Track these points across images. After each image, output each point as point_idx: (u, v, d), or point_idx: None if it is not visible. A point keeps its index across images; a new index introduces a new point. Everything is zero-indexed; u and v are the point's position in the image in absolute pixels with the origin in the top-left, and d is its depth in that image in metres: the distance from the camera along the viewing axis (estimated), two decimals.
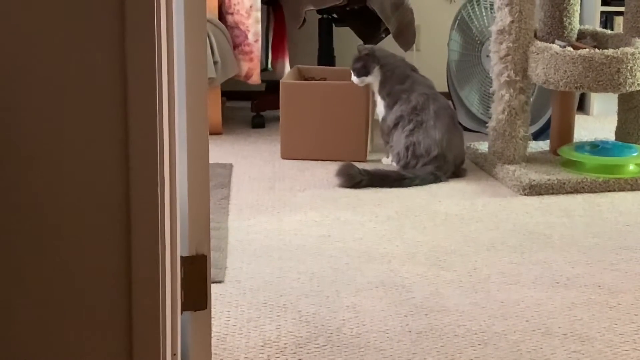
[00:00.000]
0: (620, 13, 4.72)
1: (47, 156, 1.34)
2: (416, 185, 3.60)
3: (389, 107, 3.82)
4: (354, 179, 3.57)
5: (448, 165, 3.72)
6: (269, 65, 4.73)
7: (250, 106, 4.76)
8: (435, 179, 3.66)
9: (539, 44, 3.64)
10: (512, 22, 3.64)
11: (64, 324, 1.39)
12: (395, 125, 3.79)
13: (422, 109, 3.75)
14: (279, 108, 4.04)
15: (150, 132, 1.33)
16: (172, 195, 1.43)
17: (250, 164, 3.96)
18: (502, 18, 3.68)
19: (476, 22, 4.48)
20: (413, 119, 3.75)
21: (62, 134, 1.34)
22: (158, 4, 1.30)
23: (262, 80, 4.63)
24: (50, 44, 1.31)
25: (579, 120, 4.16)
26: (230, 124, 4.66)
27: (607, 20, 4.92)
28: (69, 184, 1.35)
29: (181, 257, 1.54)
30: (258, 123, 4.69)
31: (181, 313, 1.55)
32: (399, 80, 3.83)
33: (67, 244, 1.37)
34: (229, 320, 2.33)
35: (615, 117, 3.97)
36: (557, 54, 3.55)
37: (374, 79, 3.86)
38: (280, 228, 3.11)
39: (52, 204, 1.36)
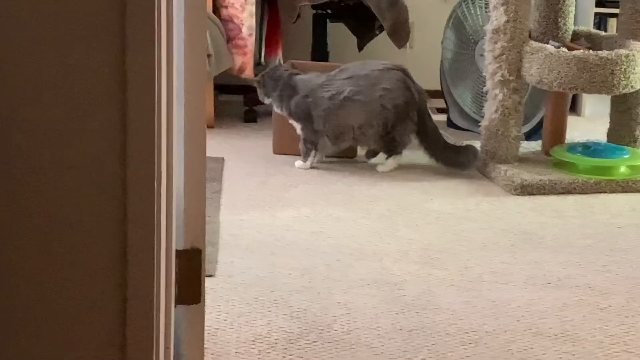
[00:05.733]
0: (614, 15, 4.73)
1: (44, 149, 1.33)
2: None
3: (301, 121, 3.79)
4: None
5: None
6: (263, 60, 4.73)
7: (242, 100, 4.75)
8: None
9: (534, 44, 3.64)
10: (507, 21, 3.64)
11: (57, 315, 1.38)
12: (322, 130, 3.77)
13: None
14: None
15: (149, 127, 1.32)
16: (168, 189, 1.42)
17: (243, 158, 3.95)
18: (497, 17, 3.68)
19: (470, 21, 4.48)
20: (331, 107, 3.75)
21: (60, 127, 1.33)
22: (159, 5, 1.29)
23: (255, 74, 4.61)
24: (50, 37, 1.30)
25: (571, 121, 4.17)
26: (222, 117, 4.66)
27: (600, 21, 4.93)
28: (66, 177, 1.35)
29: (176, 251, 1.53)
30: (250, 117, 4.68)
31: (175, 307, 1.55)
32: (289, 95, 3.80)
33: (63, 236, 1.37)
34: (219, 315, 2.32)
35: (607, 119, 3.98)
36: (552, 54, 3.56)
37: (271, 103, 3.89)
38: (272, 223, 3.10)
39: (48, 197, 1.35)
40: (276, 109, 3.89)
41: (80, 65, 1.32)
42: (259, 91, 3.91)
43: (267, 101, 3.91)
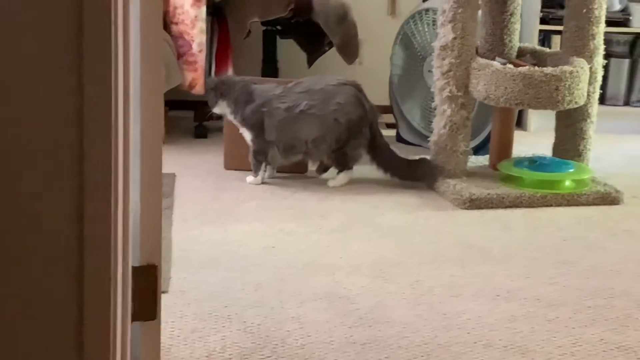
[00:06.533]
0: (557, 32, 4.83)
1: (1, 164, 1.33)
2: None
3: (253, 129, 3.82)
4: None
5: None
6: (213, 76, 4.73)
7: (193, 116, 4.75)
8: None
9: (481, 60, 3.71)
10: (455, 38, 3.70)
11: (13, 335, 1.38)
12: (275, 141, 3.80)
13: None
14: (221, 118, 4.05)
15: (105, 143, 1.33)
16: (125, 205, 1.43)
17: (194, 174, 3.95)
18: (445, 34, 3.74)
19: (419, 38, 4.55)
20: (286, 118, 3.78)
21: (13, 144, 1.33)
22: (115, 19, 1.30)
23: (205, 91, 4.62)
24: (6, 52, 1.30)
25: (517, 136, 4.24)
26: (172, 133, 4.65)
27: (545, 38, 5.03)
28: (20, 194, 1.35)
29: (132, 267, 1.54)
30: (200, 133, 4.69)
31: (130, 323, 1.55)
32: (245, 101, 3.83)
33: (17, 255, 1.36)
34: (173, 331, 2.33)
35: (552, 134, 4.06)
36: (498, 70, 3.63)
37: (222, 110, 3.88)
38: (224, 238, 3.11)
39: (2, 214, 1.35)
40: (229, 115, 3.87)
41: (34, 81, 1.33)
42: (209, 96, 3.88)
43: (216, 109, 3.87)
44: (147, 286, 1.55)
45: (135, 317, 1.55)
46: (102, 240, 1.36)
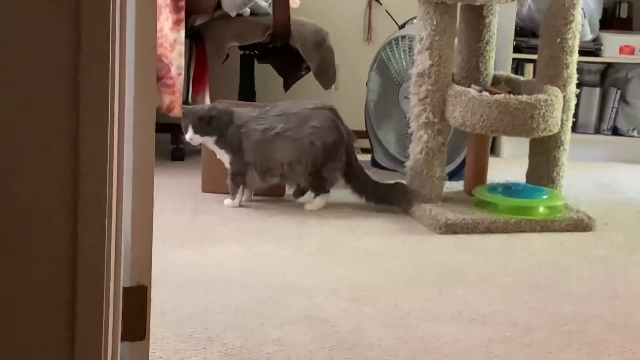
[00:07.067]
0: (530, 60, 4.91)
1: None
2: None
3: (232, 150, 3.84)
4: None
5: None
6: (190, 99, 4.76)
7: (170, 138, 4.76)
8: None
9: (457, 87, 3.77)
10: (432, 65, 3.76)
11: (4, 354, 1.39)
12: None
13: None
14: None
15: (100, 164, 1.35)
16: (117, 227, 1.45)
17: (171, 196, 3.96)
18: (422, 61, 3.79)
19: (395, 64, 4.60)
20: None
21: (9, 165, 1.35)
22: (113, 43, 1.33)
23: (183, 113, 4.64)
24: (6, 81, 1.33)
25: (490, 162, 4.29)
26: None
27: (518, 66, 5.11)
28: (16, 210, 1.36)
29: (123, 288, 1.56)
30: (178, 156, 4.70)
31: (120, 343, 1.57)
32: (228, 119, 3.85)
33: (11, 275, 1.38)
34: (154, 352, 2.33)
35: (524, 160, 4.12)
36: (474, 98, 3.69)
37: (206, 140, 3.86)
38: (203, 261, 3.12)
39: None
40: (207, 139, 3.85)
41: (31, 102, 1.35)
42: (183, 124, 3.88)
43: (189, 135, 3.84)
44: (137, 306, 1.57)
45: (124, 337, 1.57)
46: (96, 262, 1.38)
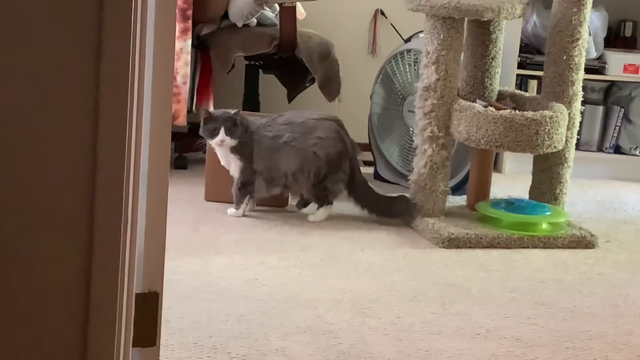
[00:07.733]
0: (534, 77, 4.93)
1: (12, 200, 1.36)
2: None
3: (244, 157, 3.84)
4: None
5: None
6: (194, 108, 4.76)
7: (173, 147, 4.77)
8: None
9: (463, 102, 3.78)
10: (438, 79, 3.77)
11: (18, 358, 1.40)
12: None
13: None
14: (201, 150, 4.07)
15: (118, 174, 1.36)
16: (132, 233, 1.45)
17: (174, 205, 3.95)
18: (428, 75, 3.81)
19: (399, 77, 4.61)
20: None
21: (29, 174, 1.36)
22: (134, 53, 1.34)
23: (187, 122, 4.65)
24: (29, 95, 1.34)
25: (492, 178, 4.30)
26: None
27: (522, 82, 5.12)
28: (32, 218, 1.37)
29: (135, 294, 1.56)
30: (181, 164, 4.71)
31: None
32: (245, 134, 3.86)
33: (25, 281, 1.39)
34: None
35: (527, 176, 4.12)
36: (480, 113, 3.70)
37: (233, 143, 3.83)
38: (206, 270, 3.13)
39: (12, 240, 1.37)
40: (233, 143, 3.82)
41: (50, 112, 1.36)
42: (209, 127, 3.82)
43: (221, 136, 3.77)
44: (148, 313, 1.58)
45: (135, 343, 1.57)
46: (110, 267, 1.38)
